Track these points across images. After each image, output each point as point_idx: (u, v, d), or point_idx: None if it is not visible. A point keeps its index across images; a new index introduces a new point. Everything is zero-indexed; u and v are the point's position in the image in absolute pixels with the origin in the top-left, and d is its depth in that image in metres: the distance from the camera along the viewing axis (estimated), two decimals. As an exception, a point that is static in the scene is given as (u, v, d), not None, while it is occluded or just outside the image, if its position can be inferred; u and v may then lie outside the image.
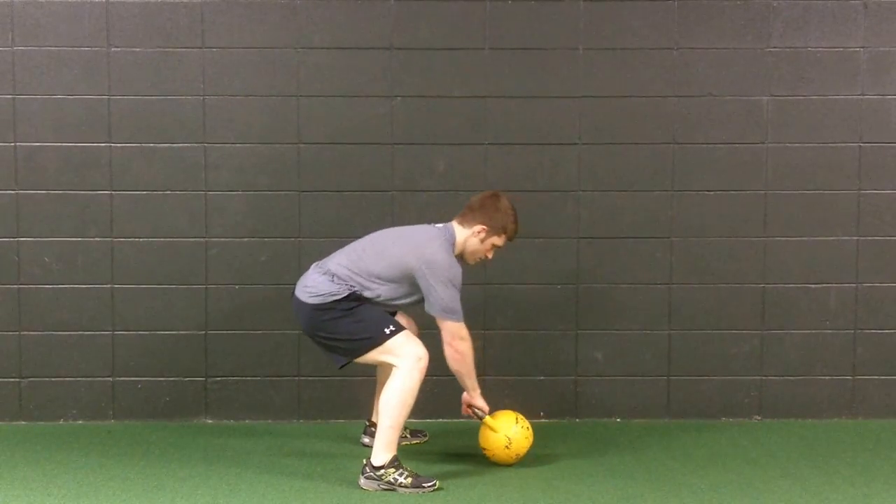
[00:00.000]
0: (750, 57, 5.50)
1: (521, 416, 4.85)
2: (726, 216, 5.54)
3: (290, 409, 5.57)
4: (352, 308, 4.58)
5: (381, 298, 4.63)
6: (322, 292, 4.59)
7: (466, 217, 4.76)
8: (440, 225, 4.79)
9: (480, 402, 4.82)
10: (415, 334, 4.74)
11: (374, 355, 4.58)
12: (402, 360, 4.52)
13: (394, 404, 4.49)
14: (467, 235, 4.73)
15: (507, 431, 4.78)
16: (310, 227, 5.47)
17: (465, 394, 4.86)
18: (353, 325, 4.57)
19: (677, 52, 5.50)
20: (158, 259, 5.49)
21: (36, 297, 5.47)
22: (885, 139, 5.53)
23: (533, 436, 4.84)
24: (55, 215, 5.45)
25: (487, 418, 4.82)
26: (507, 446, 4.78)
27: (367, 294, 4.61)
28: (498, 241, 4.78)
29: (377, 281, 4.61)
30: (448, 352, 4.64)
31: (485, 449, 4.85)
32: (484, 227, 4.72)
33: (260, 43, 5.45)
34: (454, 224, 4.77)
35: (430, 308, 4.62)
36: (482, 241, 4.74)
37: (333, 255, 4.76)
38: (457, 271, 4.61)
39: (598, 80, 5.49)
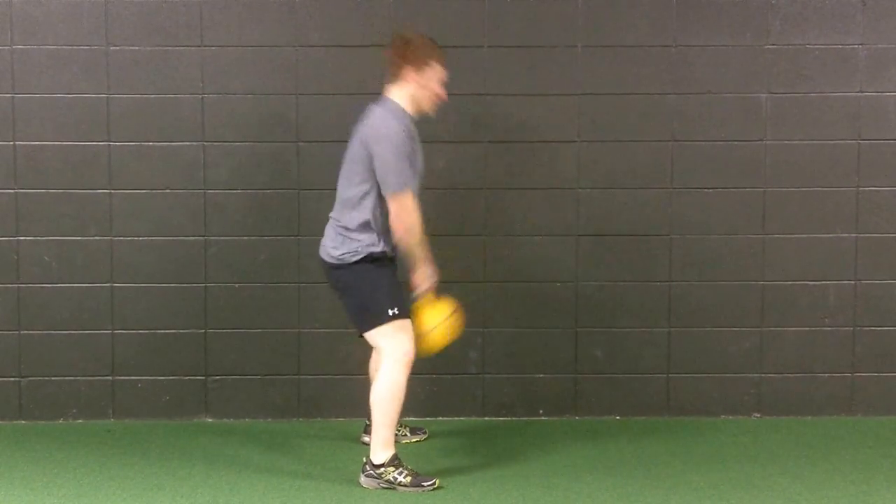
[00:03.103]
0: (748, 54, 5.49)
1: (450, 315, 4.68)
2: (725, 213, 5.54)
3: (289, 408, 5.57)
4: (368, 272, 4.53)
5: (373, 220, 4.55)
6: (340, 252, 4.56)
7: (391, 76, 4.64)
8: (376, 105, 4.64)
9: (418, 281, 4.66)
10: None
11: (373, 334, 4.56)
12: (389, 350, 4.50)
13: (384, 401, 4.50)
14: (407, 90, 4.61)
15: (429, 324, 4.64)
16: (309, 225, 5.46)
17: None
18: (365, 295, 4.54)
19: (676, 49, 5.49)
20: (158, 257, 5.49)
21: (35, 296, 5.47)
22: (884, 136, 5.53)
23: (450, 337, 4.69)
24: (54, 214, 5.45)
25: (418, 305, 4.67)
26: (421, 335, 4.63)
27: (365, 231, 4.53)
28: (437, 72, 4.64)
29: (369, 196, 4.53)
30: (397, 224, 4.51)
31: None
32: (411, 68, 4.58)
33: (259, 41, 5.44)
34: (390, 90, 4.64)
35: (385, 188, 4.48)
36: (422, 82, 4.60)
37: (336, 199, 4.69)
38: (401, 140, 4.47)
39: (597, 78, 5.49)
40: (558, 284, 5.57)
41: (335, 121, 5.47)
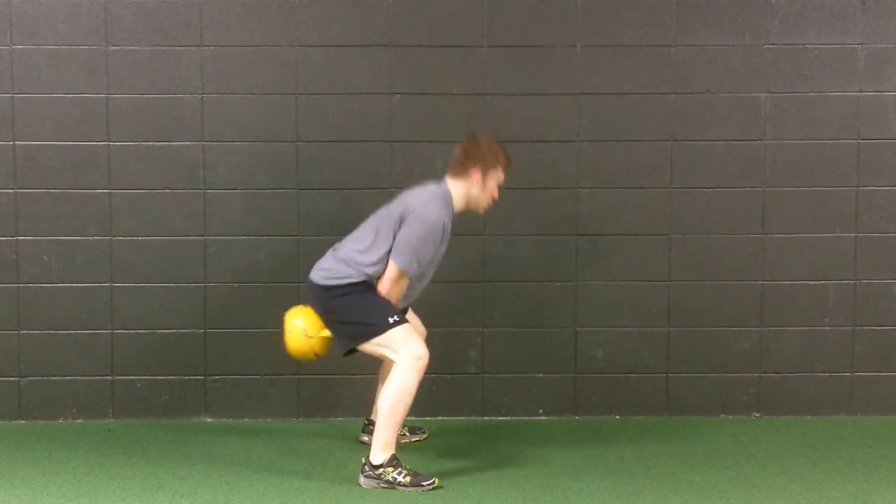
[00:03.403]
0: (748, 54, 5.49)
1: (319, 340, 4.73)
2: (725, 213, 5.54)
3: (289, 408, 5.57)
4: (363, 292, 4.59)
5: (378, 272, 4.62)
6: (336, 275, 4.61)
7: (456, 169, 4.72)
8: (434, 185, 4.74)
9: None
10: (421, 336, 4.75)
11: (375, 345, 4.58)
12: (401, 356, 4.52)
13: (391, 403, 4.50)
14: (466, 186, 4.70)
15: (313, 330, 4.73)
16: (308, 225, 5.47)
17: None
18: (361, 308, 4.58)
19: (675, 49, 5.49)
20: (157, 257, 5.49)
21: (35, 295, 5.47)
22: (883, 136, 5.53)
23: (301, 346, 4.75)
24: (54, 214, 5.45)
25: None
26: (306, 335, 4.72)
27: (365, 275, 4.60)
28: (498, 177, 4.75)
29: (382, 258, 4.60)
30: (381, 287, 4.61)
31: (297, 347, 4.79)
32: (478, 170, 4.68)
33: (258, 41, 5.44)
34: (447, 181, 4.73)
35: (394, 255, 4.57)
36: (483, 184, 4.70)
37: (346, 239, 4.76)
38: (437, 229, 4.57)
39: (596, 77, 5.49)
40: (558, 284, 5.57)
41: (335, 121, 5.47)
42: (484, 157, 4.70)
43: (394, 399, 4.49)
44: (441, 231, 4.60)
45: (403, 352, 4.52)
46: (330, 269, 4.66)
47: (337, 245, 4.77)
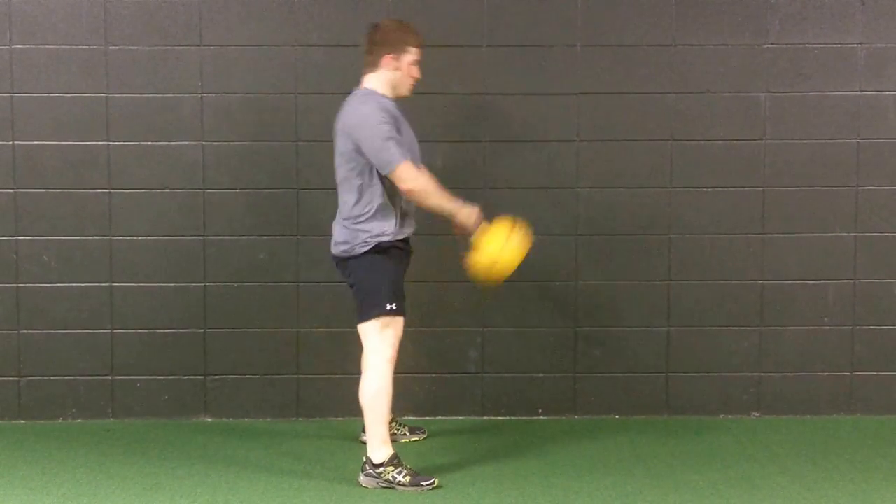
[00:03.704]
0: (748, 53, 5.50)
1: (511, 230, 4.59)
2: (724, 213, 5.54)
3: (288, 407, 5.57)
4: (375, 264, 4.55)
5: (383, 205, 4.55)
6: (349, 244, 4.58)
7: (369, 63, 4.68)
8: (354, 95, 4.69)
9: (463, 224, 4.62)
10: None
11: (365, 327, 4.55)
12: (377, 347, 4.51)
13: (372, 404, 4.51)
14: (384, 75, 4.65)
15: (495, 246, 4.55)
16: (308, 225, 5.47)
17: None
18: (368, 285, 4.54)
19: (675, 48, 5.50)
20: (157, 257, 5.49)
21: (35, 295, 5.48)
22: (883, 135, 5.53)
23: (522, 250, 4.61)
24: (53, 214, 5.45)
25: (476, 239, 4.58)
26: (494, 262, 4.55)
27: (375, 220, 4.55)
28: (411, 56, 4.69)
29: (380, 194, 4.55)
30: (411, 196, 4.53)
31: (472, 268, 4.62)
32: (387, 54, 4.63)
33: (258, 40, 5.44)
34: (364, 80, 4.68)
35: (383, 169, 4.48)
36: (398, 66, 4.65)
37: (339, 189, 4.70)
38: (384, 121, 4.47)
39: (596, 77, 5.49)
40: (557, 284, 5.57)
41: (334, 121, 5.46)
42: (389, 40, 4.65)
43: (375, 395, 4.51)
44: (390, 118, 4.51)
45: (379, 341, 4.52)
46: (344, 240, 4.61)
47: (340, 207, 4.70)
